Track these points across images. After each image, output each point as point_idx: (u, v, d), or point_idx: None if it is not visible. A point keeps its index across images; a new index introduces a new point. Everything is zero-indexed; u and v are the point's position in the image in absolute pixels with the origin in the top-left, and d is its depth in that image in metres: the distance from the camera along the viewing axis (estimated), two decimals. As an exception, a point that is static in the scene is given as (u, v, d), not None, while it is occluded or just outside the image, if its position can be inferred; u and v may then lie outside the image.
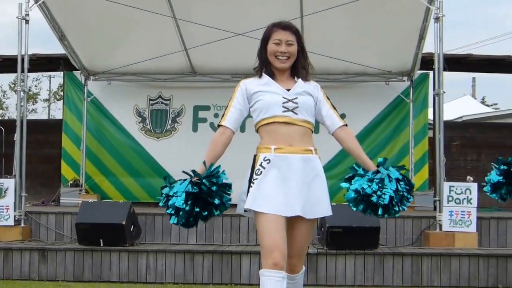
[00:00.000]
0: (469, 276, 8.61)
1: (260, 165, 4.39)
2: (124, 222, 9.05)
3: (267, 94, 4.50)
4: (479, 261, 8.65)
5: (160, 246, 9.36)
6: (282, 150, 4.38)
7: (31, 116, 33.09)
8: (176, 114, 13.24)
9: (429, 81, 12.87)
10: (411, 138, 12.66)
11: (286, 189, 4.33)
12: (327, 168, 12.64)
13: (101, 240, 9.04)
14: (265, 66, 4.62)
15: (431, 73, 12.10)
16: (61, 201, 12.49)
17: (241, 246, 9.35)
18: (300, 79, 4.63)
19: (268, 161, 4.38)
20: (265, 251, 4.26)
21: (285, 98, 4.48)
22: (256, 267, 8.64)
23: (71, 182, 12.86)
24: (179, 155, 12.87)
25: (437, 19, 9.64)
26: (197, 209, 4.27)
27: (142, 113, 13.28)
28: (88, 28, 11.64)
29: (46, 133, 14.53)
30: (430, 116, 13.25)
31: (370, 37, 11.50)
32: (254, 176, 4.39)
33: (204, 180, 4.28)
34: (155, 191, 12.74)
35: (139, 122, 13.28)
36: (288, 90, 4.53)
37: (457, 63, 13.90)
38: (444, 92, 9.75)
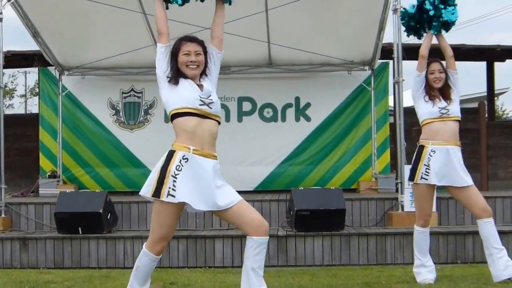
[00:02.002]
0: (430, 253, 8.52)
1: (179, 162, 4.90)
2: (101, 211, 9.26)
3: (185, 90, 5.03)
4: (439, 238, 8.94)
5: (137, 232, 9.55)
6: (198, 152, 4.91)
7: (8, 111, 32.94)
8: (148, 106, 13.43)
9: (389, 70, 13.11)
10: (373, 124, 12.98)
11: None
12: (293, 155, 13.10)
13: (79, 228, 9.24)
14: (178, 76, 5.09)
15: (391, 62, 12.16)
16: (40, 192, 12.70)
17: (214, 231, 9.56)
18: (205, 82, 5.14)
19: (186, 160, 4.91)
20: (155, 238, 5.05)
21: (200, 96, 5.01)
22: (229, 250, 8.96)
23: (49, 173, 13.05)
24: (152, 145, 13.04)
25: (395, 11, 9.79)
26: None
27: (115, 106, 13.42)
28: (60, 24, 11.72)
29: (23, 127, 14.71)
30: (391, 103, 13.62)
31: (332, 29, 11.72)
32: (175, 172, 4.89)
33: None
34: (130, 180, 13.12)
35: (113, 115, 13.42)
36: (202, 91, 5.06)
37: (415, 52, 13.67)
38: (404, 80, 9.93)
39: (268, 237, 4.98)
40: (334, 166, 13.18)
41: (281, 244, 8.99)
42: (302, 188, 10.53)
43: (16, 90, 38.84)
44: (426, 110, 6.85)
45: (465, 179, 6.73)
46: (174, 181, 4.85)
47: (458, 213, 9.96)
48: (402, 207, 9.77)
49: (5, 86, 23.76)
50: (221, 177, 5.01)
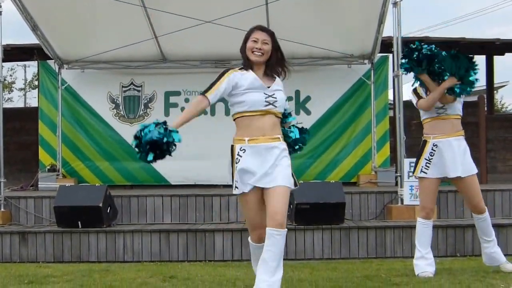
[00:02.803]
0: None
1: (238, 154, 5.16)
2: (101, 204, 9.25)
3: (252, 93, 5.17)
4: (438, 232, 8.90)
5: (136, 226, 9.56)
6: (256, 140, 5.16)
7: (7, 105, 32.91)
8: (148, 100, 13.43)
9: (388, 64, 13.18)
10: (373, 118, 12.99)
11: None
12: (293, 149, 13.06)
13: (79, 222, 9.22)
14: (245, 60, 5.31)
15: (390, 55, 12.25)
16: (39, 185, 12.71)
17: (214, 224, 9.55)
18: (277, 78, 5.36)
19: (244, 151, 5.14)
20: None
21: (266, 94, 5.19)
22: (229, 244, 8.95)
23: (48, 167, 13.04)
24: (152, 139, 13.16)
25: (395, 4, 9.82)
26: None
27: (115, 100, 13.43)
28: (60, 18, 11.67)
29: (22, 121, 14.72)
30: (390, 96, 13.59)
31: (332, 22, 11.67)
32: (236, 165, 5.17)
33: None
34: (130, 174, 13.12)
35: (113, 108, 13.43)
36: (268, 87, 5.23)
37: (415, 45, 14.11)
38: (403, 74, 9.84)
39: (279, 230, 5.01)
40: (334, 160, 13.22)
41: (281, 237, 8.96)
42: (302, 181, 10.48)
43: (14, 83, 38.78)
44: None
45: (459, 168, 6.83)
46: (237, 174, 5.15)
47: (458, 206, 9.94)
48: (402, 200, 9.75)
49: (4, 80, 23.73)
50: (283, 157, 5.22)
